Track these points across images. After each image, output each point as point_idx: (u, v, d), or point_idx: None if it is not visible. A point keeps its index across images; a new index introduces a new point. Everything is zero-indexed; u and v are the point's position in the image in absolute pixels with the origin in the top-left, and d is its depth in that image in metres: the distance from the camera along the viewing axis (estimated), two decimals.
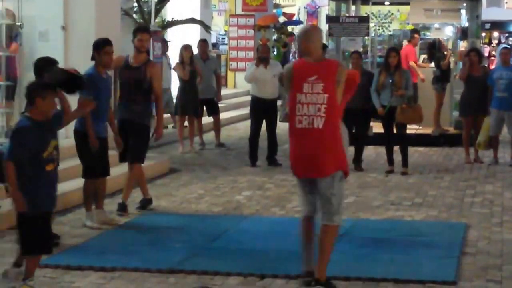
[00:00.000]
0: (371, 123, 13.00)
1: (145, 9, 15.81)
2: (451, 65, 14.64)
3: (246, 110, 14.13)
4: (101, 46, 7.84)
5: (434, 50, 14.66)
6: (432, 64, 14.76)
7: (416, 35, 16.26)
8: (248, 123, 12.60)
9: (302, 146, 5.71)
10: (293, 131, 5.74)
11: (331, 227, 5.85)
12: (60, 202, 8.52)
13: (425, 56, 16.84)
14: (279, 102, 11.98)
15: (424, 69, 14.92)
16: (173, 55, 14.74)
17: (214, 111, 13.62)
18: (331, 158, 5.74)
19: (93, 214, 7.97)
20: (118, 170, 9.11)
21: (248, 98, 12.80)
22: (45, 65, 7.15)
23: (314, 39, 5.85)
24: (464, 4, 15.23)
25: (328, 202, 5.79)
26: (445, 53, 14.89)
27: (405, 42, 16.67)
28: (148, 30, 8.82)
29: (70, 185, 8.64)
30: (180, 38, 16.86)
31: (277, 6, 26.77)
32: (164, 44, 14.88)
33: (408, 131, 11.62)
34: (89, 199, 8.01)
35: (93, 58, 7.91)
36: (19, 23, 10.64)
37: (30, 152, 5.56)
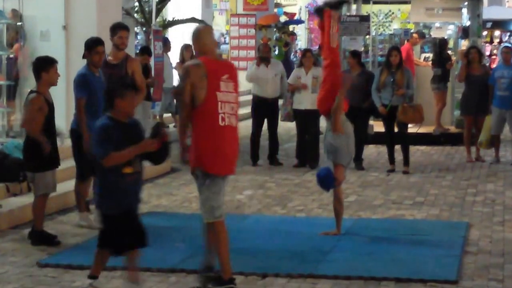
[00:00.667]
0: (373, 122, 13.01)
1: (146, 9, 15.80)
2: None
3: (247, 110, 14.10)
4: (92, 46, 7.81)
5: (437, 48, 14.64)
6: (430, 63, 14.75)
7: (414, 35, 16.26)
8: (249, 122, 12.59)
9: (228, 144, 5.77)
10: (216, 129, 5.70)
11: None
12: (61, 202, 8.57)
13: (425, 55, 16.84)
14: (280, 102, 11.97)
15: (423, 68, 14.89)
16: (174, 55, 14.73)
17: None
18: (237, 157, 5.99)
19: (87, 214, 7.95)
20: None
21: (250, 97, 12.78)
22: (43, 64, 7.16)
23: (209, 37, 5.92)
24: (465, 3, 15.22)
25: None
26: (449, 53, 14.89)
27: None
28: (127, 27, 8.64)
29: (71, 184, 8.62)
30: (181, 38, 16.85)
31: (278, 5, 26.75)
32: (167, 44, 14.88)
33: (409, 130, 11.62)
34: (83, 200, 7.97)
35: (84, 57, 7.88)
36: (20, 23, 10.65)
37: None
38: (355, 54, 11.66)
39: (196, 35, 5.93)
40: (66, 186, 8.64)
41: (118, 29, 8.38)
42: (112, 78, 8.18)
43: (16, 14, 10.67)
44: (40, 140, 7.07)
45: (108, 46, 8.26)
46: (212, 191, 5.78)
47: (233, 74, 5.90)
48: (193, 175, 5.91)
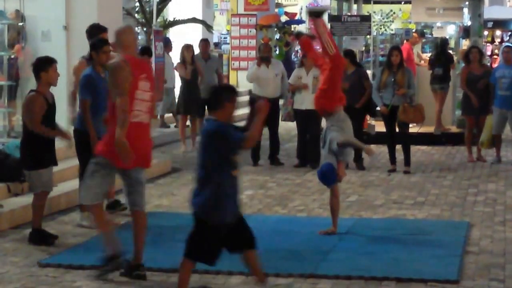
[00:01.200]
0: (374, 122, 13.01)
1: (147, 9, 15.82)
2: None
3: (248, 109, 14.11)
4: (100, 45, 7.80)
5: (438, 48, 14.64)
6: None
7: (414, 34, 16.26)
8: None
9: (136, 139, 6.08)
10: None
11: (144, 213, 6.31)
12: (62, 201, 8.57)
13: (426, 55, 16.84)
14: (281, 102, 11.97)
15: (424, 68, 14.89)
16: (175, 55, 14.72)
17: None
18: (150, 153, 6.39)
19: (88, 214, 7.94)
20: None
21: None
22: (42, 64, 7.18)
23: (130, 37, 6.26)
24: (466, 3, 15.22)
25: (142, 189, 6.27)
26: (451, 52, 14.89)
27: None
28: (106, 28, 8.61)
29: (72, 184, 8.64)
30: (182, 38, 16.86)
31: (279, 5, 26.75)
32: (168, 44, 14.88)
33: (410, 130, 11.61)
34: None
35: (90, 58, 7.86)
36: (21, 23, 10.66)
37: (220, 156, 5.45)
38: (348, 53, 11.63)
39: (118, 34, 6.27)
40: (68, 185, 8.65)
41: (99, 31, 8.31)
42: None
43: (19, 15, 10.68)
44: (51, 134, 7.24)
45: None
46: (104, 179, 6.21)
47: (150, 74, 6.27)
48: (93, 160, 6.26)
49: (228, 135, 5.43)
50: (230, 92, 5.60)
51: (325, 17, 27.08)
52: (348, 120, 7.59)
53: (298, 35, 8.26)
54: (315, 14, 7.88)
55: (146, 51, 12.25)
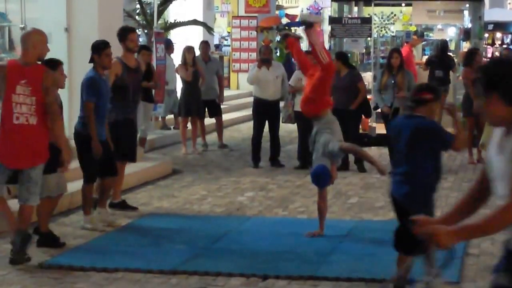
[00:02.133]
0: (375, 125, 13.01)
1: (148, 11, 15.83)
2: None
3: (249, 111, 14.13)
4: (101, 48, 7.80)
5: (438, 50, 14.64)
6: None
7: (414, 36, 16.27)
8: (251, 124, 12.61)
9: (19, 140, 6.54)
10: (10, 127, 6.54)
11: (26, 206, 6.76)
12: (63, 203, 8.57)
13: (426, 57, 16.84)
14: (281, 103, 11.98)
15: (423, 71, 14.90)
16: (177, 57, 14.75)
17: (216, 112, 13.62)
18: (42, 150, 6.70)
19: (92, 217, 7.94)
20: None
21: (251, 99, 12.80)
22: (49, 67, 7.17)
23: (28, 43, 6.63)
24: (467, 5, 15.23)
25: (31, 185, 6.69)
26: (451, 55, 14.90)
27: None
28: (135, 29, 8.90)
29: (73, 186, 8.62)
30: (183, 40, 16.89)
31: (280, 7, 26.78)
32: (170, 45, 14.89)
33: None
34: (88, 203, 7.95)
35: (91, 61, 7.87)
36: (22, 25, 10.67)
37: (429, 151, 5.89)
38: (340, 56, 11.63)
39: (21, 38, 6.72)
40: (68, 187, 8.62)
41: (126, 31, 8.58)
42: (134, 82, 8.53)
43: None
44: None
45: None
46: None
47: (31, 79, 6.53)
48: None
49: (442, 132, 5.87)
50: (433, 91, 5.97)
51: (325, 21, 27.15)
52: (336, 121, 7.63)
53: (286, 36, 8.31)
54: (307, 24, 7.96)
55: (143, 47, 12.22)
